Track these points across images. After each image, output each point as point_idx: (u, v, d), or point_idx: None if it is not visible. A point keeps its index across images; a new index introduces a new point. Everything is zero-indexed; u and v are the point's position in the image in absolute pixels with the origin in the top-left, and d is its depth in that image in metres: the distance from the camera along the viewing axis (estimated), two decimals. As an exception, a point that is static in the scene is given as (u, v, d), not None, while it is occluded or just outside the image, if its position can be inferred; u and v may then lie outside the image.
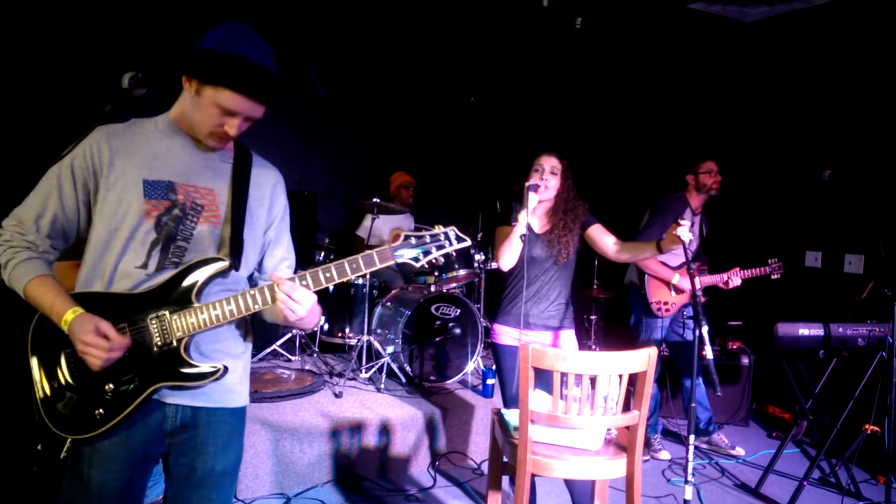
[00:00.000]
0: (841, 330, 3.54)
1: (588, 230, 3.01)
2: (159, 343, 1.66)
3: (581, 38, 5.02)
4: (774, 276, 4.22)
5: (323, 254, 4.83)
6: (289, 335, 4.77)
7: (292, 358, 4.77)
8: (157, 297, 1.66)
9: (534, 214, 2.97)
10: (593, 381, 2.26)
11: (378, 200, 4.44)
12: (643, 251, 2.92)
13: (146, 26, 4.52)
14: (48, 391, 1.67)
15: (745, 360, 4.82)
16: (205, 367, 1.68)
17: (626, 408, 2.34)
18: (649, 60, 5.79)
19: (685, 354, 4.26)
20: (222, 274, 1.71)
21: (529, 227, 2.94)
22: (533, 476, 2.52)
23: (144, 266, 1.66)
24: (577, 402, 2.26)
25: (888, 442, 3.41)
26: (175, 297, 1.66)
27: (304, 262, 4.86)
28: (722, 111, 5.71)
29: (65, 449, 1.65)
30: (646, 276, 4.10)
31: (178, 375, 1.67)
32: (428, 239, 1.72)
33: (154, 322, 1.65)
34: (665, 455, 4.20)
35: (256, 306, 1.68)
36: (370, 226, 4.71)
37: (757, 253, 4.27)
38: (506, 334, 2.98)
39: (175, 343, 1.66)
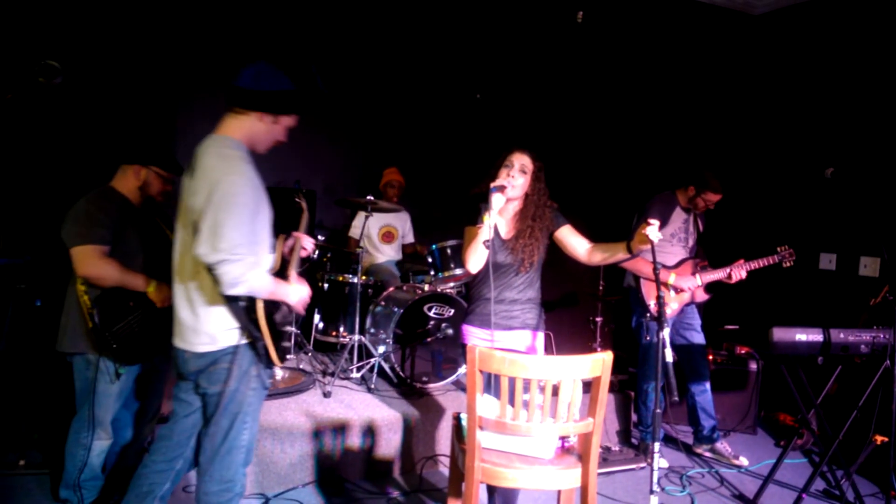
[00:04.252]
0: (842, 336, 3.35)
1: (557, 233, 2.91)
2: None
3: (583, 32, 4.89)
4: (786, 265, 4.00)
5: (317, 252, 4.80)
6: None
7: (288, 356, 4.75)
8: (282, 267, 2.47)
9: (501, 215, 2.88)
10: (546, 386, 2.17)
11: (371, 198, 4.39)
12: (614, 252, 2.78)
13: (104, 18, 4.49)
14: (273, 339, 2.28)
15: (753, 366, 4.64)
16: None
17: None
18: (652, 55, 5.62)
19: (692, 359, 4.11)
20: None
21: (496, 231, 2.87)
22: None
23: (272, 251, 2.40)
24: (527, 409, 2.16)
25: (891, 453, 3.22)
26: (284, 263, 2.49)
27: (302, 261, 4.84)
28: (727, 106, 5.52)
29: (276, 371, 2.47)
30: (641, 279, 3.97)
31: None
32: None
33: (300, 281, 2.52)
34: (662, 463, 4.06)
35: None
36: (362, 224, 4.66)
37: (767, 251, 4.07)
38: (473, 335, 2.92)
39: None
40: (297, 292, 2.41)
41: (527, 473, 2.20)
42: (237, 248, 2.08)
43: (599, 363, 2.14)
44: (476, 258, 2.75)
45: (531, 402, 2.16)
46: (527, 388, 2.20)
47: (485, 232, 2.67)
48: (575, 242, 2.89)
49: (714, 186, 3.95)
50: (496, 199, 2.71)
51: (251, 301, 2.21)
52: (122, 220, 2.81)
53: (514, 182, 2.82)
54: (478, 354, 2.13)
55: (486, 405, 2.27)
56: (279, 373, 4.32)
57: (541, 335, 2.97)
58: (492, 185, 2.74)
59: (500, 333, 2.87)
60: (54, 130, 4.27)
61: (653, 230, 2.45)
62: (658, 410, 2.26)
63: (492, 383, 2.70)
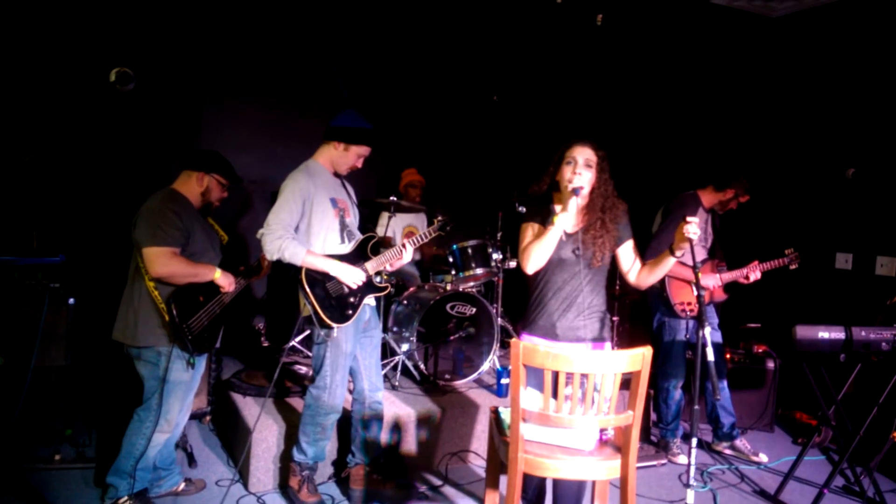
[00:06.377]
0: (864, 334, 3.41)
1: (621, 246, 2.74)
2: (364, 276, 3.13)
3: (602, 35, 4.95)
4: (793, 267, 4.13)
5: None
6: (307, 332, 4.82)
7: (311, 354, 4.80)
8: (355, 255, 3.17)
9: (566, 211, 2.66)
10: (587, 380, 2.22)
11: (395, 199, 4.45)
12: (663, 263, 2.66)
13: (132, 21, 4.58)
14: (324, 305, 3.00)
15: (771, 364, 4.69)
16: (383, 285, 3.27)
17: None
18: (671, 57, 5.67)
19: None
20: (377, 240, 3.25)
21: None
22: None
23: (342, 242, 3.18)
24: (569, 402, 2.23)
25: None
26: (362, 254, 3.20)
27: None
28: (746, 108, 5.57)
29: (334, 331, 3.04)
30: (667, 277, 4.00)
31: (374, 290, 3.23)
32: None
33: (359, 266, 3.10)
34: (683, 459, 4.11)
35: (398, 258, 3.18)
36: (386, 224, 4.73)
37: (783, 251, 4.17)
38: None
39: (371, 275, 3.17)
40: (342, 269, 3.04)
41: (569, 464, 2.26)
42: (271, 225, 2.93)
43: (639, 358, 2.21)
44: (538, 257, 2.60)
45: (573, 396, 2.22)
46: (567, 382, 2.26)
47: (555, 235, 2.58)
48: (632, 262, 2.77)
49: (748, 189, 4.09)
50: (573, 204, 2.59)
51: (297, 270, 2.99)
52: (191, 222, 2.98)
53: (582, 180, 2.64)
54: (521, 349, 2.20)
55: (529, 398, 2.33)
56: (302, 369, 4.41)
57: (609, 346, 2.79)
58: (571, 186, 2.62)
59: (566, 346, 2.66)
60: (84, 132, 4.34)
61: (692, 227, 2.44)
62: (696, 407, 2.30)
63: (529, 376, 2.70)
